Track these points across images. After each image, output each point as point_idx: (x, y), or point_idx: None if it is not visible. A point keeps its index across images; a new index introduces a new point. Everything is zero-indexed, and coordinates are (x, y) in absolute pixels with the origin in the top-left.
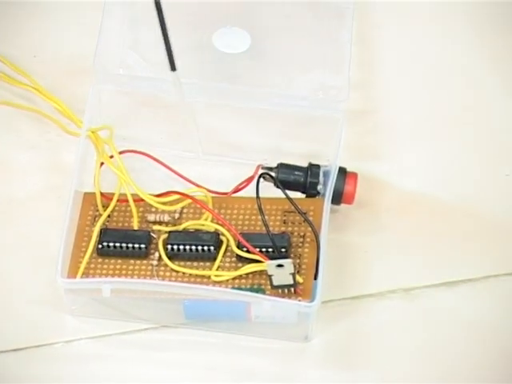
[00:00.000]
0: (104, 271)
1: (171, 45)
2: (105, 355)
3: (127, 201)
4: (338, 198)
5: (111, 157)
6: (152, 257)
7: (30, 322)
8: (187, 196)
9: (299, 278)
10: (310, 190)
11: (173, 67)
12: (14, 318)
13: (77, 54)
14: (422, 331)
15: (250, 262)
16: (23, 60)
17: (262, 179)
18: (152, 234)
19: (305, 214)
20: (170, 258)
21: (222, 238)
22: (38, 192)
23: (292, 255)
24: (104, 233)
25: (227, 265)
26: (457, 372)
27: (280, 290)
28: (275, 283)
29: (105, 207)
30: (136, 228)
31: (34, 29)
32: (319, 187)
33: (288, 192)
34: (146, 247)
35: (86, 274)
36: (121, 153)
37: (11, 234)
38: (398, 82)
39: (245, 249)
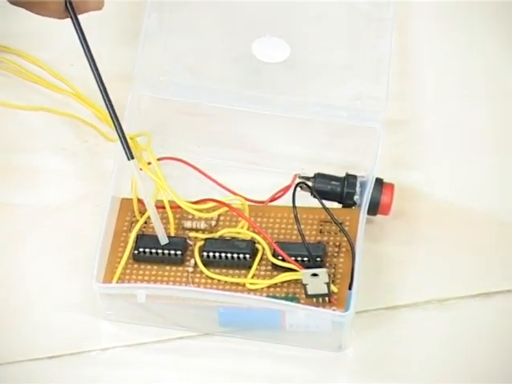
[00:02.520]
0: (139, 277)
1: (126, 135)
2: (140, 363)
3: (164, 207)
4: (374, 209)
5: (149, 163)
6: (188, 263)
7: (66, 328)
8: (224, 204)
9: (334, 288)
10: (347, 200)
11: (130, 156)
12: (49, 323)
13: (116, 60)
14: (457, 343)
15: (285, 271)
16: (61, 67)
17: (298, 188)
18: (188, 241)
19: (341, 223)
20: (205, 265)
21: (257, 246)
22: (75, 199)
23: (327, 265)
24: (140, 239)
25: (262, 273)
26: (494, 383)
27: (314, 299)
28: (310, 292)
29: (142, 213)
30: (172, 234)
31: (73, 35)
32: (356, 197)
33: (324, 202)
34: (181, 254)
35: (121, 280)
36: (159, 159)
37: (48, 240)
38: (434, 93)
39: (280, 257)
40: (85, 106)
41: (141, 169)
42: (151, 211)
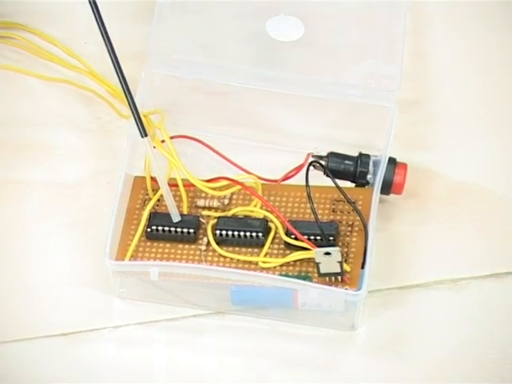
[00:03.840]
0: (152, 255)
1: (139, 112)
2: (152, 341)
3: (177, 185)
4: (387, 188)
5: (162, 141)
6: (200, 242)
7: (78, 305)
8: (237, 182)
9: (346, 267)
10: (360, 180)
11: (144, 133)
12: (61, 301)
13: (129, 38)
14: (469, 322)
15: (297, 250)
16: (75, 44)
17: (311, 167)
18: (201, 219)
19: (354, 203)
20: (218, 244)
21: (270, 224)
22: (88, 176)
23: (340, 244)
24: (153, 217)
25: (275, 251)
26: (506, 364)
27: (327, 278)
28: (322, 271)
29: (155, 191)
30: (185, 213)
31: (86, 12)
32: (369, 177)
33: (337, 181)
34: (194, 232)
35: (134, 257)
36: (172, 138)
37: (60, 217)
38: (449, 73)
39: (293, 236)
40: (98, 83)
41: (154, 147)
42: (164, 189)
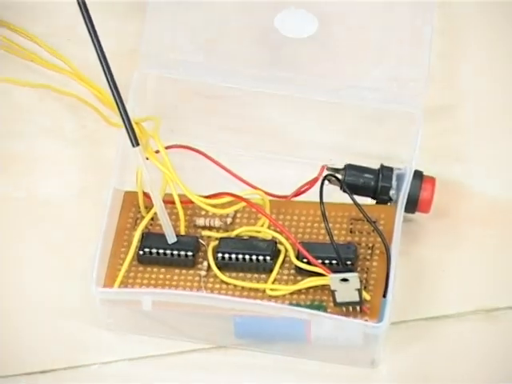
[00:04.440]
0: (145, 281)
1: (130, 119)
2: (145, 379)
3: (173, 202)
4: (412, 206)
5: (157, 152)
6: (200, 266)
7: (60, 338)
8: (241, 199)
9: (366, 295)
10: (381, 196)
11: (135, 142)
12: (41, 333)
13: (120, 35)
14: (507, 359)
15: (310, 275)
16: (57, 42)
17: (326, 182)
18: (200, 241)
19: (374, 222)
20: (220, 269)
21: (279, 247)
22: (72, 192)
23: (359, 269)
24: (146, 237)
25: (285, 277)
26: None
27: (344, 308)
28: (339, 300)
29: (148, 209)
30: (183, 233)
31: (70, 6)
32: (392, 193)
33: (356, 197)
34: (193, 255)
35: (124, 284)
36: (167, 148)
37: (42, 238)
38: (482, 75)
39: (305, 260)
40: (84, 86)
41: (147, 158)
42: (158, 206)
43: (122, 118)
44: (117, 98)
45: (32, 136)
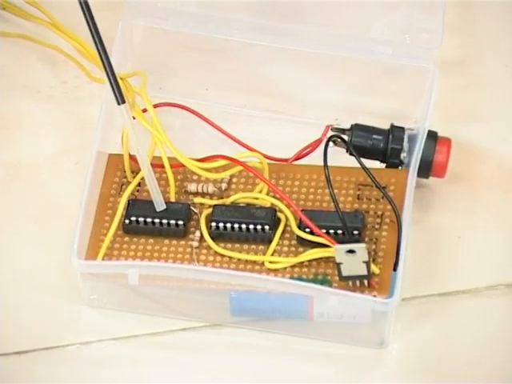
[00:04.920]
0: (131, 252)
1: (115, 73)
2: (131, 361)
3: (163, 166)
4: (426, 170)
5: (144, 110)
6: (192, 236)
7: (38, 316)
8: (237, 162)
9: (375, 268)
10: (392, 159)
11: (121, 99)
12: (17, 311)
13: None
14: None
15: (313, 247)
16: None
17: (331, 143)
18: (192, 208)
19: (384, 188)
20: (213, 239)
21: (279, 215)
22: (51, 155)
23: (367, 239)
24: (132, 205)
25: (285, 249)
26: None
27: (350, 282)
28: (345, 273)
29: (134, 173)
30: (173, 200)
31: None
32: (403, 155)
33: (364, 160)
34: (184, 224)
35: (108, 256)
36: (156, 106)
37: (18, 206)
38: (503, 25)
39: (308, 229)
40: (63, 37)
41: (134, 117)
42: (145, 170)
43: (106, 72)
44: (100, 49)
45: (5, 92)
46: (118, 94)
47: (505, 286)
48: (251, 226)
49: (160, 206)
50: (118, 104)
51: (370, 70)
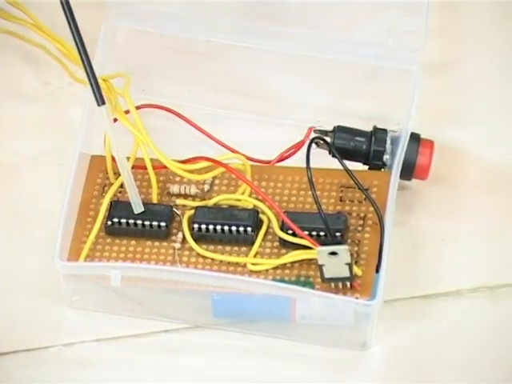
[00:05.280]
0: (113, 254)
1: (96, 75)
2: (113, 363)
3: (145, 167)
4: (408, 172)
5: (126, 112)
6: (174, 238)
7: (19, 317)
8: (220, 164)
9: (357, 270)
10: (374, 161)
11: (101, 100)
12: None
13: None
14: (509, 340)
15: (296, 248)
16: None
17: (314, 145)
18: (175, 210)
19: (366, 190)
20: (196, 241)
21: (262, 216)
22: (34, 156)
23: (349, 241)
24: (115, 206)
25: (268, 251)
26: None
27: (333, 284)
28: (327, 275)
29: (117, 174)
30: (155, 201)
31: None
32: (385, 157)
33: (346, 162)
34: (166, 226)
35: (90, 257)
36: (138, 107)
37: (0, 207)
38: (486, 29)
39: (290, 231)
40: (46, 38)
41: (116, 119)
42: (124, 172)
43: (87, 73)
44: (81, 49)
45: None
46: (98, 95)
47: (487, 288)
48: (234, 228)
49: (138, 208)
50: (98, 105)
51: (353, 72)
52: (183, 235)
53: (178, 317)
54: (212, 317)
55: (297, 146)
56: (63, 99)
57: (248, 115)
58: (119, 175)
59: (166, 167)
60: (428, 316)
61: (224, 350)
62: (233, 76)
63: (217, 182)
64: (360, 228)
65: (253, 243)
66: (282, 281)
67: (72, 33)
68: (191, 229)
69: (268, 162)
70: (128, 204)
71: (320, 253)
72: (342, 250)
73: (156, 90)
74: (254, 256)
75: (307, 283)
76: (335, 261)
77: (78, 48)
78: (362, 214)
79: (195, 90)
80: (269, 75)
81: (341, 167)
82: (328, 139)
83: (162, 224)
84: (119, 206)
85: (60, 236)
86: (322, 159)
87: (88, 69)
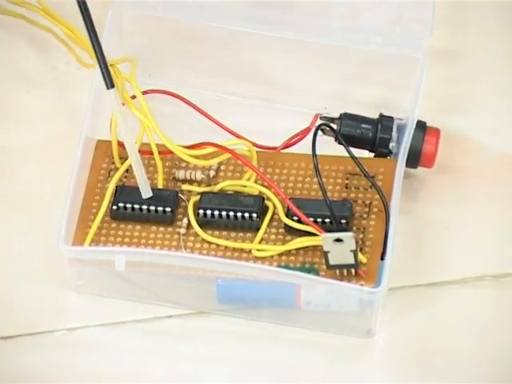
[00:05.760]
0: (119, 239)
1: (106, 57)
2: (117, 347)
3: (151, 152)
4: (414, 160)
5: (133, 97)
6: (179, 223)
7: (24, 301)
8: (226, 149)
9: (362, 257)
10: (380, 148)
11: (110, 83)
12: (4, 296)
13: None
14: None
15: (301, 235)
16: None
17: (320, 132)
18: (180, 195)
19: (372, 177)
20: (201, 226)
21: (267, 203)
22: (40, 140)
23: (354, 228)
24: (120, 191)
25: (273, 237)
26: None
27: (338, 271)
28: (332, 262)
29: (122, 159)
30: (161, 187)
31: None
32: (391, 145)
33: (352, 150)
34: (171, 211)
35: (95, 242)
36: (145, 93)
37: (6, 191)
38: (492, 18)
39: (295, 218)
40: (54, 23)
41: (123, 104)
42: (133, 156)
43: (96, 56)
44: (90, 31)
45: None
46: (107, 78)
47: (492, 277)
48: (239, 214)
49: (146, 193)
50: (107, 88)
51: (359, 59)
52: (188, 221)
53: (183, 302)
54: (216, 303)
55: (303, 133)
56: (70, 84)
57: (255, 101)
58: (125, 160)
59: (171, 152)
60: (433, 304)
61: (228, 336)
62: (240, 62)
63: (222, 167)
64: (365, 215)
65: (258, 229)
66: (286, 267)
67: (82, 13)
68: (196, 214)
69: (274, 149)
70: (133, 189)
71: (325, 239)
72: (348, 236)
73: (163, 75)
74: (259, 242)
75: (312, 270)
76: (340, 248)
77: (87, 29)
78: (367, 202)
79: (202, 75)
80: (276, 62)
81: (347, 154)
82: (334, 126)
83: (168, 209)
84: (125, 191)
85: (65, 220)
86: (328, 146)
87: (98, 51)
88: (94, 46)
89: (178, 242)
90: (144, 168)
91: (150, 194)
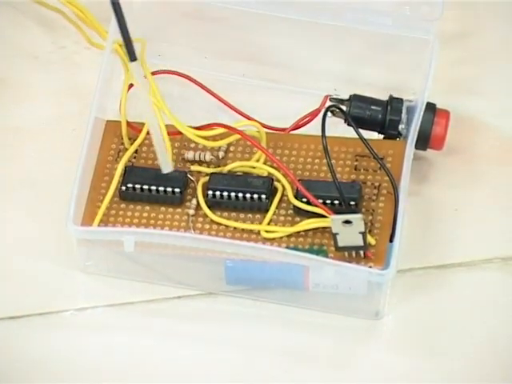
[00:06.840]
0: (127, 219)
1: (129, 31)
2: (125, 327)
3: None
4: (423, 142)
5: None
6: (188, 204)
7: (33, 282)
8: (235, 130)
9: (371, 239)
10: (390, 130)
11: (133, 56)
12: (13, 276)
13: None
14: None
15: (310, 217)
16: None
17: (329, 114)
18: (189, 176)
19: (381, 159)
20: (210, 207)
21: (276, 184)
22: (48, 120)
23: (363, 210)
24: (129, 172)
25: (282, 218)
26: None
27: (346, 253)
28: (341, 244)
29: (132, 140)
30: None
31: None
32: (401, 127)
33: (362, 131)
34: (180, 192)
35: (104, 222)
36: (154, 73)
37: (15, 171)
38: (502, 0)
39: (304, 199)
40: (63, 3)
41: (131, 85)
42: (153, 128)
43: (121, 28)
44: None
45: (2, 57)
46: (130, 51)
47: (501, 260)
48: (248, 195)
49: (167, 167)
50: (131, 61)
51: (369, 41)
52: (197, 201)
53: (191, 283)
54: (225, 284)
55: (312, 114)
56: (79, 64)
57: (264, 83)
58: (134, 141)
59: (181, 133)
60: (441, 286)
61: (237, 316)
62: (249, 43)
63: (232, 148)
64: (374, 197)
65: (267, 211)
66: (295, 249)
67: None
68: (205, 195)
69: (283, 130)
70: (143, 169)
71: (334, 221)
72: (356, 218)
73: (172, 55)
74: (268, 223)
75: (321, 251)
76: (349, 229)
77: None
78: (376, 183)
79: (211, 56)
80: (285, 43)
81: (356, 136)
82: (344, 108)
83: (177, 190)
84: (134, 172)
85: (74, 201)
86: (338, 128)
87: (122, 24)
88: (118, 19)
89: (186, 223)
90: (152, 149)
91: (171, 169)
